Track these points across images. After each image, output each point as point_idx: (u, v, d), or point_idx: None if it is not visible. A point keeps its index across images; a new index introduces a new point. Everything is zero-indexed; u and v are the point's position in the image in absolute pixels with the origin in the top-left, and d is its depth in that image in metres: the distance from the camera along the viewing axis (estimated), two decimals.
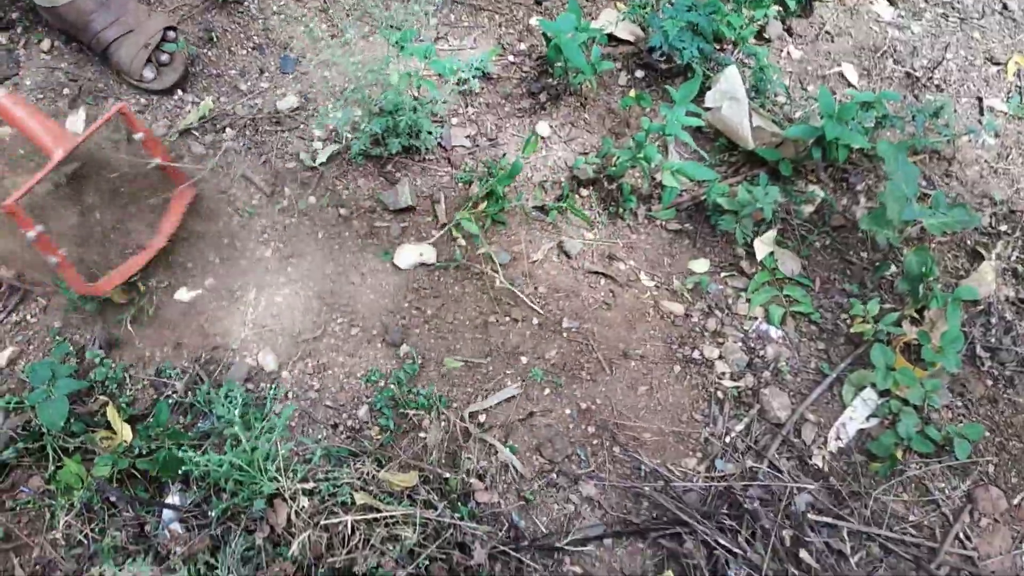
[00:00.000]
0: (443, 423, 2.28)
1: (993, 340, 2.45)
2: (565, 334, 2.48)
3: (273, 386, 2.35)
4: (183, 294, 2.48)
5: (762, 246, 2.57)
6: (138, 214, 2.56)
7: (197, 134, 2.74)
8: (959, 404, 2.36)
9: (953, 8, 3.21)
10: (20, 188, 2.14)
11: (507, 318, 2.50)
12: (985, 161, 2.83)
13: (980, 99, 2.95)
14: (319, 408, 2.34)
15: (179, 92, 2.80)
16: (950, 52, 3.06)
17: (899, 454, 2.20)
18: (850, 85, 3.02)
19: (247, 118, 2.78)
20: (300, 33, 3.03)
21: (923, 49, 3.08)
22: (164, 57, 2.75)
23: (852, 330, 2.41)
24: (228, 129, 2.76)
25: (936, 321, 2.43)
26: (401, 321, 2.47)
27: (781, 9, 3.10)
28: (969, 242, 2.65)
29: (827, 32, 3.14)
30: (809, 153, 2.65)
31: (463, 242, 2.61)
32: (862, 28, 3.15)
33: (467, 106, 2.90)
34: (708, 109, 2.79)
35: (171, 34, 2.77)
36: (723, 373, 2.41)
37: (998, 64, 3.04)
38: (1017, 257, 2.59)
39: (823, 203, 2.69)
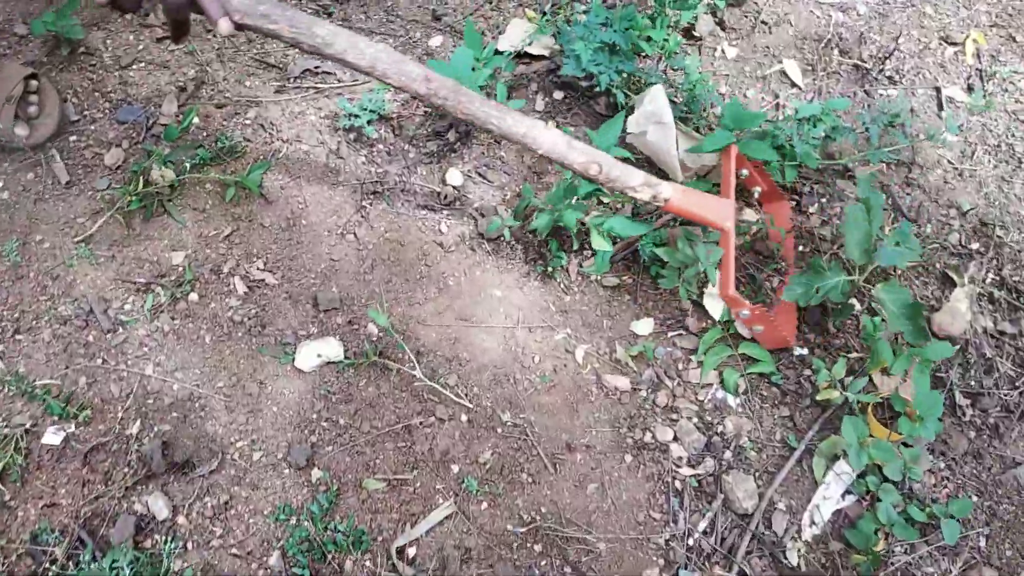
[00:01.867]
0: (367, 563, 1.99)
1: (973, 384, 2.20)
2: (499, 429, 2.18)
3: (168, 538, 2.03)
4: (51, 436, 2.13)
5: (713, 303, 2.27)
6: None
7: None
8: (941, 465, 2.12)
9: None
10: (726, 277, 2.10)
11: (432, 418, 2.19)
12: (948, 162, 2.54)
13: (938, 89, 2.63)
14: (224, 558, 2.03)
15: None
16: (901, 36, 2.72)
17: (881, 542, 1.96)
18: (794, 85, 2.68)
19: None
20: (165, 84, 2.62)
21: (871, 34, 2.73)
22: (32, 109, 2.41)
23: (819, 397, 2.14)
24: None
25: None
26: (310, 438, 2.15)
27: (712, 2, 2.73)
28: (938, 265, 2.37)
29: (763, 22, 2.78)
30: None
31: (374, 329, 2.28)
32: (802, 13, 2.79)
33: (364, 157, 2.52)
34: (631, 135, 2.45)
35: (34, 83, 2.42)
36: (680, 458, 2.14)
37: (955, 44, 2.72)
38: (992, 279, 2.32)
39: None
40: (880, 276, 2.29)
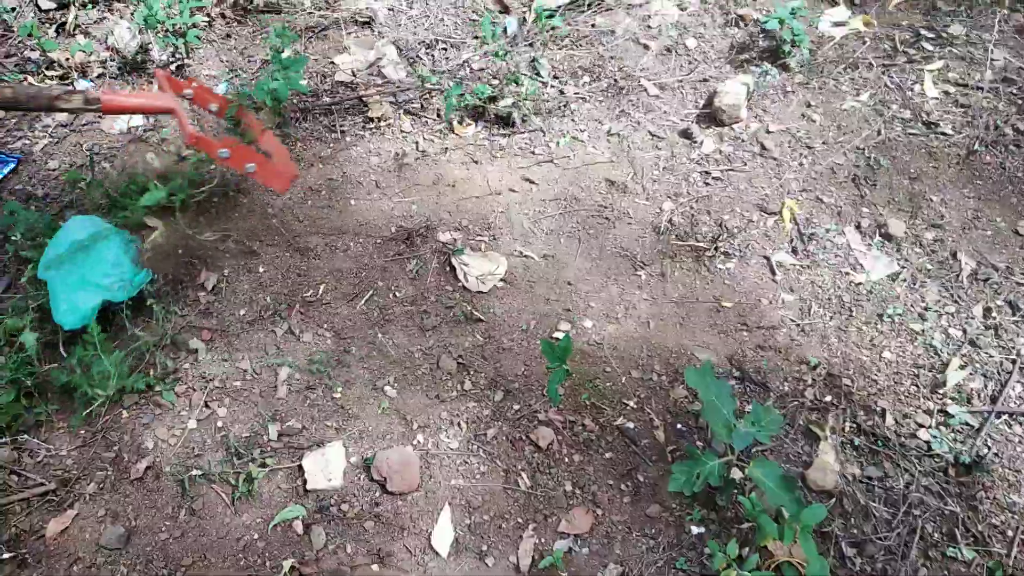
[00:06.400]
0: None
1: (856, 531, 2.36)
2: None
3: None
4: None
5: None
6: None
7: None
8: None
9: (715, 162, 3.23)
10: (183, 126, 2.35)
11: None
12: (791, 320, 2.81)
13: (767, 258, 2.95)
14: None
15: None
16: (726, 213, 3.05)
17: None
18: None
19: None
20: None
21: (700, 215, 3.06)
22: None
23: None
24: None
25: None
26: None
27: None
28: (801, 421, 2.59)
29: (605, 218, 3.08)
30: None
31: None
32: (639, 205, 3.10)
33: None
34: None
35: None
36: None
37: (773, 214, 3.06)
38: (850, 427, 2.55)
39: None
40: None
